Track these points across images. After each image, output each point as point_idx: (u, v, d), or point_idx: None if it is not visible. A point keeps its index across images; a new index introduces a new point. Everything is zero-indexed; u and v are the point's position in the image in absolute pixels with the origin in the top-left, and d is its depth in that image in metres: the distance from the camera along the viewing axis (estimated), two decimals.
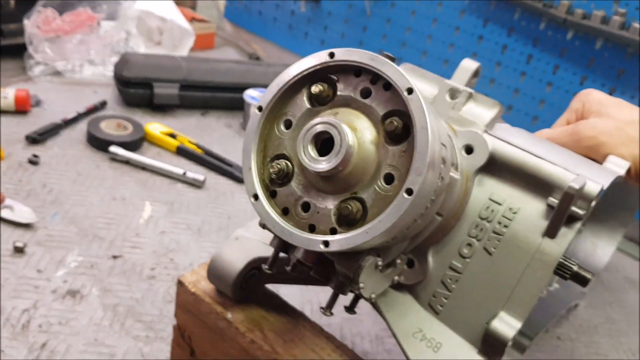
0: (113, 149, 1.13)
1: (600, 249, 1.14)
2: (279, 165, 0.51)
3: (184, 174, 1.13)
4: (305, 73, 0.51)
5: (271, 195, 0.52)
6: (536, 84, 1.31)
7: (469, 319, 0.57)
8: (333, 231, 0.49)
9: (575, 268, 0.58)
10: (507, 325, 0.54)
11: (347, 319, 0.90)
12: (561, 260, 0.57)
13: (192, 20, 1.68)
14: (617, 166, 0.64)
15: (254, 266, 0.66)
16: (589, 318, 1.05)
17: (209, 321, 0.68)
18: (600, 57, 1.22)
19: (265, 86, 1.36)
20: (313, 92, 0.50)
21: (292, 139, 0.52)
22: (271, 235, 0.60)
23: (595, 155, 0.67)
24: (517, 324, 0.55)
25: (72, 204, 1.02)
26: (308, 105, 0.52)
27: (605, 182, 0.56)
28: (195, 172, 1.14)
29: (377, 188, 0.47)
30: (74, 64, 1.37)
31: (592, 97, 0.74)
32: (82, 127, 1.23)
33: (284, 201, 0.51)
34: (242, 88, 1.37)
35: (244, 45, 1.81)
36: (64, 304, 0.83)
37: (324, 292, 0.77)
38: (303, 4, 1.63)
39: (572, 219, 0.54)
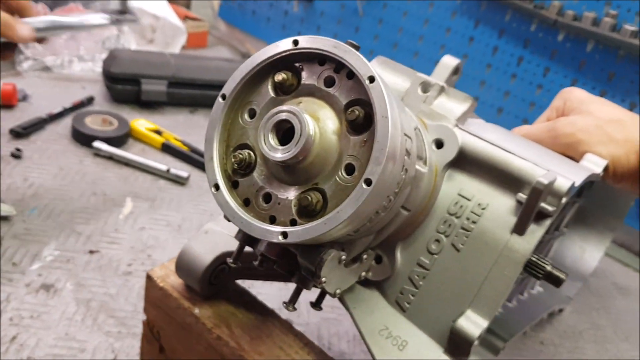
0: (97, 144, 1.12)
1: (588, 253, 1.12)
2: (241, 155, 0.50)
3: (168, 170, 1.12)
4: (269, 61, 0.50)
5: (233, 185, 0.51)
6: (526, 86, 1.30)
7: (435, 317, 0.55)
8: (293, 222, 0.48)
9: (548, 267, 0.57)
10: (473, 324, 0.53)
11: (325, 319, 0.89)
12: (534, 259, 0.56)
13: (185, 18, 1.67)
14: (593, 164, 0.63)
15: (223, 261, 0.65)
16: (574, 324, 1.04)
17: (177, 317, 0.67)
18: (591, 60, 1.21)
19: None
20: (277, 80, 0.49)
21: (255, 128, 0.51)
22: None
23: (573, 153, 0.66)
24: (484, 323, 0.53)
25: (52, 198, 1.01)
26: (272, 94, 0.50)
27: (578, 179, 0.55)
28: (180, 169, 1.13)
29: (337, 179, 0.46)
30: (63, 59, 1.37)
31: (574, 95, 0.72)
32: (67, 122, 1.22)
33: (245, 192, 0.50)
34: None
35: (237, 45, 1.80)
36: (37, 298, 0.82)
37: (304, 292, 0.75)
38: (296, 4, 1.62)
39: (541, 215, 0.53)
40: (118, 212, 1.01)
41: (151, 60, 1.35)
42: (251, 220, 0.48)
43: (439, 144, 0.57)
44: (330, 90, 0.48)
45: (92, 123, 1.18)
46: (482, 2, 1.32)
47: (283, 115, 0.46)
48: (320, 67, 0.49)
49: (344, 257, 0.52)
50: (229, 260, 0.57)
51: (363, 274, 0.58)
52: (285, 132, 0.48)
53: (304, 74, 0.50)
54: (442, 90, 0.60)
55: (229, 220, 0.54)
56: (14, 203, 0.96)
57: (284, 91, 0.50)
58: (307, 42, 0.49)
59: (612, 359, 0.97)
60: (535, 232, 0.53)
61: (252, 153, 0.50)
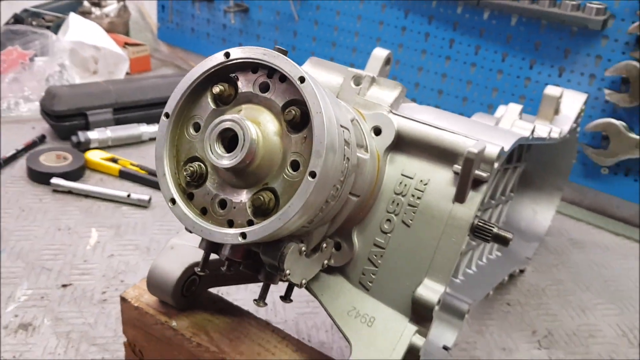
0: (54, 180, 1.13)
1: (540, 214, 1.19)
2: (192, 168, 0.53)
3: (128, 196, 1.13)
4: (205, 75, 0.53)
5: (188, 197, 0.54)
6: (461, 66, 1.36)
7: (397, 291, 0.59)
8: (250, 223, 0.51)
9: (495, 230, 0.61)
10: (431, 290, 0.57)
11: (301, 314, 0.93)
12: (480, 224, 0.60)
13: (125, 45, 1.68)
14: (521, 129, 0.68)
15: (193, 272, 0.68)
16: (536, 282, 1.09)
17: (155, 332, 0.69)
18: (517, 33, 1.28)
19: None
20: (215, 92, 0.53)
21: (202, 140, 0.53)
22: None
23: None
24: (441, 288, 0.57)
25: (17, 239, 1.01)
26: (213, 106, 0.54)
27: (507, 145, 0.60)
28: (140, 193, 1.15)
29: (285, 176, 0.50)
30: (9, 102, 1.37)
31: None
32: (22, 163, 1.22)
33: (201, 202, 0.53)
34: None
35: (180, 64, 1.82)
36: (17, 339, 0.83)
37: (277, 292, 0.79)
38: (232, 16, 1.65)
39: (478, 182, 0.57)
40: (85, 244, 1.03)
41: (91, 91, 1.36)
42: (210, 227, 0.52)
43: (377, 131, 0.61)
44: (266, 95, 0.52)
45: (47, 160, 1.18)
46: None
47: (226, 125, 0.50)
48: (254, 75, 0.52)
49: (303, 248, 0.56)
50: (197, 269, 0.60)
51: (325, 262, 0.61)
52: (230, 140, 0.51)
53: (240, 84, 0.53)
54: (373, 81, 0.64)
55: (190, 231, 0.57)
56: None
57: (224, 102, 0.54)
58: (238, 53, 0.52)
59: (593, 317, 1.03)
60: (475, 198, 0.57)
61: (202, 164, 0.53)
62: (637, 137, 1.21)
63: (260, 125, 0.50)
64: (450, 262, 0.57)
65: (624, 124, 1.22)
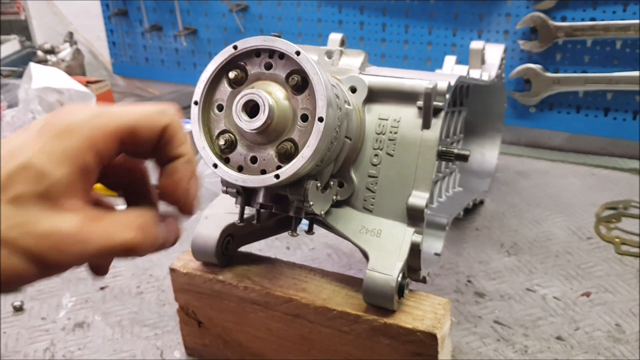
0: None
1: (487, 155, 1.40)
2: (224, 138, 0.68)
3: None
4: (220, 66, 0.69)
5: (225, 161, 0.69)
6: (395, 45, 1.56)
7: (393, 206, 0.76)
8: (278, 168, 0.67)
9: (455, 151, 0.80)
10: (419, 198, 0.75)
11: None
12: (443, 149, 0.79)
13: (86, 84, 1.80)
14: (459, 70, 0.87)
15: (228, 233, 0.83)
16: (495, 208, 1.29)
17: (206, 289, 0.84)
18: (437, 8, 1.49)
19: None
20: (231, 77, 0.68)
21: (226, 116, 0.69)
22: (232, 205, 0.77)
23: None
24: (426, 195, 0.75)
25: None
26: (230, 89, 0.69)
27: (452, 80, 0.78)
28: None
29: (299, 127, 0.66)
30: None
31: None
32: None
33: (236, 161, 0.69)
34: None
35: (141, 92, 1.95)
36: (76, 335, 0.95)
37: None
38: (183, 39, 1.80)
39: (436, 111, 0.75)
40: None
41: None
42: (249, 177, 0.67)
43: (353, 90, 0.79)
44: (271, 71, 0.68)
45: None
46: None
47: (248, 97, 0.65)
48: (258, 58, 0.68)
49: (319, 184, 0.72)
50: (237, 221, 0.76)
51: (334, 197, 0.78)
52: (251, 109, 0.67)
53: (248, 67, 0.69)
54: (341, 53, 0.81)
55: (226, 193, 0.73)
56: None
57: (238, 83, 0.69)
58: (243, 44, 0.68)
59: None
60: (437, 123, 0.75)
61: (231, 134, 0.69)
62: (552, 75, 1.44)
63: (271, 94, 0.66)
64: (429, 174, 0.75)
65: (539, 66, 1.44)
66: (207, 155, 0.69)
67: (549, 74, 1.44)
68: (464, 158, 0.81)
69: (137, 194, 0.50)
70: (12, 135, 0.41)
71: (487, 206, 1.30)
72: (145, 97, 1.95)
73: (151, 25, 1.87)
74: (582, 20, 1.37)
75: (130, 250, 0.42)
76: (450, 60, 0.95)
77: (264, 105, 0.64)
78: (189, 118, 0.69)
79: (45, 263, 0.38)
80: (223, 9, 1.74)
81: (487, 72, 1.11)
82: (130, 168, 0.49)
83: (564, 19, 1.39)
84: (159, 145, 0.46)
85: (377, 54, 1.58)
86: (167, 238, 0.47)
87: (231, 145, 0.68)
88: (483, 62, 1.15)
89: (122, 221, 0.42)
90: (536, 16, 1.39)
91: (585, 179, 1.42)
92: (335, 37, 0.96)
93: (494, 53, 1.19)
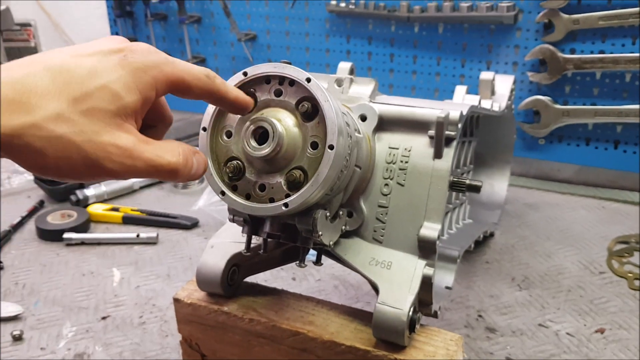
0: (67, 235, 1.24)
1: (496, 187, 1.38)
2: (232, 165, 0.67)
3: (138, 236, 1.25)
4: None
5: (233, 189, 0.68)
6: (403, 75, 1.56)
7: (404, 237, 0.74)
8: (287, 196, 0.65)
9: (467, 182, 0.78)
10: (431, 229, 0.73)
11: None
12: (455, 179, 0.77)
13: None
14: (470, 100, 0.86)
15: (234, 263, 0.81)
16: (505, 241, 1.27)
17: (210, 321, 0.81)
18: (445, 39, 1.49)
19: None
20: None
21: (235, 143, 0.68)
22: (239, 234, 0.76)
23: None
24: (438, 226, 0.73)
25: (48, 289, 1.11)
26: (239, 116, 0.68)
27: (464, 110, 0.77)
28: (147, 233, 1.26)
29: (308, 155, 0.65)
30: (2, 178, 1.46)
31: None
32: (30, 227, 1.32)
33: (244, 189, 0.67)
34: None
35: None
36: None
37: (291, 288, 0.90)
38: None
39: (448, 140, 0.74)
40: (111, 282, 1.13)
41: None
42: (257, 205, 0.65)
43: (363, 118, 0.78)
44: (280, 98, 0.67)
45: (54, 220, 1.29)
46: (347, 20, 1.58)
47: (258, 123, 0.64)
48: (267, 85, 0.67)
49: (327, 214, 0.70)
50: (243, 250, 0.74)
51: (343, 227, 0.76)
52: (260, 136, 0.65)
53: (258, 94, 0.68)
54: (351, 81, 0.81)
55: (233, 221, 0.71)
56: (17, 303, 1.06)
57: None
58: (253, 70, 0.67)
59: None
60: (449, 152, 0.74)
61: (239, 162, 0.67)
62: (561, 107, 1.43)
63: (281, 121, 0.65)
64: (441, 205, 0.73)
65: (549, 98, 1.43)
66: (215, 182, 0.67)
67: (558, 106, 1.43)
68: (476, 189, 0.79)
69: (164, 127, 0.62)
70: (83, 49, 0.49)
71: (497, 239, 1.28)
72: None
73: None
74: (591, 52, 1.37)
75: (173, 172, 0.51)
76: (461, 90, 0.95)
77: (274, 132, 0.63)
78: (197, 145, 0.68)
79: (98, 168, 0.46)
80: (232, 39, 1.75)
81: (497, 102, 1.10)
82: (164, 108, 0.62)
83: (572, 52, 1.39)
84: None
85: (385, 84, 1.58)
86: (197, 168, 0.55)
87: (239, 173, 0.67)
88: (493, 92, 1.14)
89: (168, 147, 0.51)
90: (545, 48, 1.39)
91: (595, 212, 1.39)
92: (344, 66, 0.95)
93: (504, 84, 1.18)
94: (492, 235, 1.28)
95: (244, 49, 1.72)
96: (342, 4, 1.54)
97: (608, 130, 1.43)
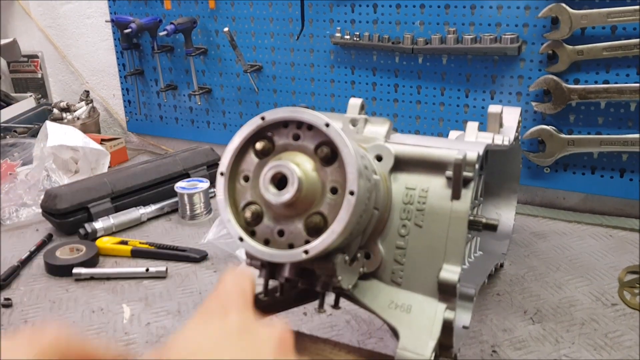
0: (76, 270, 1.23)
1: (504, 216, 1.38)
2: (250, 210, 0.67)
3: (147, 270, 1.24)
4: (247, 137, 0.68)
5: (251, 234, 0.68)
6: (407, 105, 1.57)
7: (423, 279, 0.74)
8: (307, 242, 0.65)
9: (484, 221, 0.78)
10: (451, 272, 0.73)
11: (329, 337, 1.05)
12: (471, 218, 0.77)
13: (101, 142, 1.81)
14: (484, 138, 0.86)
15: None
16: (515, 272, 1.26)
17: None
18: (449, 70, 1.50)
19: (179, 173, 1.52)
20: (258, 148, 0.67)
21: (253, 188, 0.68)
22: (255, 276, 0.75)
23: None
24: (458, 269, 0.73)
25: (58, 327, 1.10)
26: (257, 160, 0.68)
27: (480, 149, 0.77)
28: (156, 266, 1.26)
29: (328, 200, 0.65)
30: (9, 211, 1.46)
31: None
32: (38, 262, 1.31)
33: (263, 234, 0.67)
34: (163, 181, 1.53)
35: (154, 149, 1.95)
36: None
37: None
38: (198, 98, 1.81)
39: (466, 181, 0.74)
40: (121, 319, 1.12)
41: (89, 185, 1.47)
42: (276, 252, 0.65)
43: (379, 158, 0.78)
44: (298, 142, 0.67)
45: (63, 254, 1.28)
46: (352, 51, 1.59)
47: (277, 169, 0.64)
48: (285, 129, 0.68)
49: (347, 258, 0.70)
50: (260, 294, 0.73)
51: (361, 269, 0.76)
52: (278, 181, 0.65)
53: (275, 138, 0.68)
54: (366, 120, 0.81)
55: (251, 265, 0.71)
56: None
57: (265, 154, 0.68)
58: (271, 115, 0.67)
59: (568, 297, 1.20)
60: (467, 193, 0.74)
61: (257, 206, 0.67)
62: (566, 136, 1.44)
63: (300, 166, 0.65)
64: (460, 247, 0.73)
65: (553, 127, 1.44)
66: (233, 228, 0.67)
67: (563, 135, 1.44)
68: (493, 228, 0.79)
69: None
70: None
71: (507, 269, 1.27)
72: (158, 154, 1.96)
73: (166, 84, 1.89)
74: (596, 82, 1.38)
75: None
76: (473, 126, 0.95)
77: (293, 178, 0.63)
78: (214, 187, 0.68)
79: None
80: (237, 70, 1.76)
81: (506, 136, 1.10)
82: None
83: (577, 82, 1.40)
84: None
85: (390, 114, 1.59)
86: None
87: (257, 218, 0.67)
88: (501, 125, 1.14)
89: None
90: (549, 79, 1.40)
91: (603, 241, 1.39)
92: (355, 102, 0.95)
93: (511, 116, 1.19)
94: (501, 266, 1.28)
95: (249, 80, 1.73)
96: (347, 37, 1.56)
97: (614, 159, 1.44)
